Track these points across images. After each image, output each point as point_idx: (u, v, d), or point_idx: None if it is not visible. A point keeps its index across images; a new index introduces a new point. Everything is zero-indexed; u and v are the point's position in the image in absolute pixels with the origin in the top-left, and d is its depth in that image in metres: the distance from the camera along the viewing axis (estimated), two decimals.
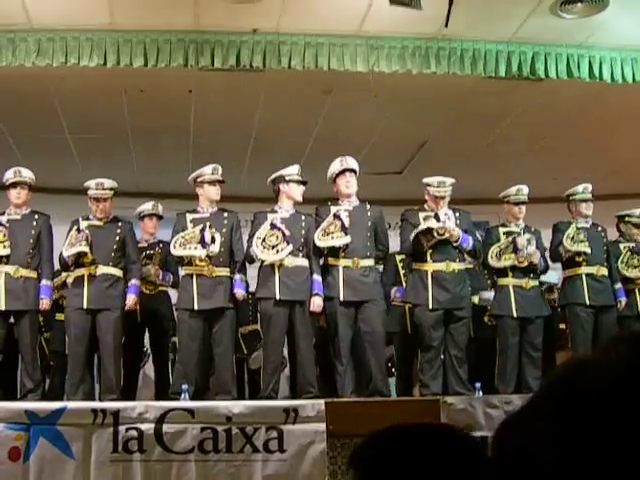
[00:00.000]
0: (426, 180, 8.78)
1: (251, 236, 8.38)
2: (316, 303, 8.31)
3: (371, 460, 1.61)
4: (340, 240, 8.29)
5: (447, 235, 8.44)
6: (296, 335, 8.39)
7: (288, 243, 8.22)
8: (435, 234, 8.42)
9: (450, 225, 8.46)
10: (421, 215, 8.64)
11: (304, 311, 8.31)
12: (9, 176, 8.60)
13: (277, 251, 8.22)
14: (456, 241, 8.52)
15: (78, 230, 8.32)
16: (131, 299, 8.48)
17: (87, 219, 8.56)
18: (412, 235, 8.47)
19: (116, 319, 8.41)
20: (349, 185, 8.63)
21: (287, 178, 8.56)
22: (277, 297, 8.23)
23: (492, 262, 8.98)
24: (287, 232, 8.24)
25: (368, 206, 8.70)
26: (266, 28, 8.82)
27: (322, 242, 8.33)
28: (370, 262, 8.55)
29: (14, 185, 8.57)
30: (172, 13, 8.53)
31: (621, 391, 1.07)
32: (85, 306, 8.28)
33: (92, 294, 8.32)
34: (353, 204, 8.63)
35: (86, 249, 8.24)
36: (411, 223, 8.64)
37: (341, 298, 8.34)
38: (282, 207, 8.58)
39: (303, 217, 8.55)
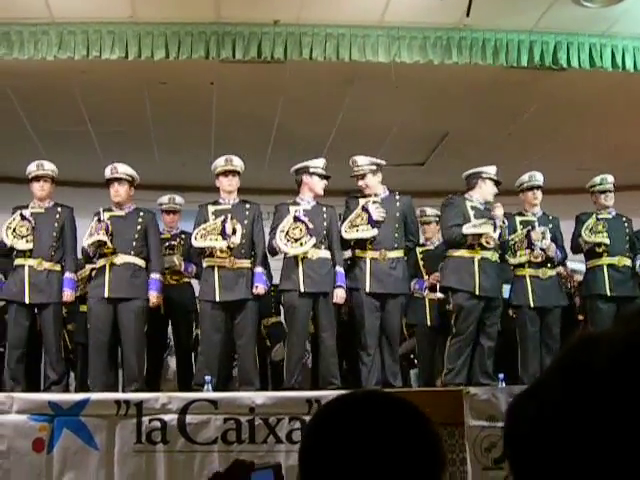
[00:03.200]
0: (479, 168, 8.82)
1: (273, 228, 8.39)
2: (339, 295, 8.32)
3: (311, 432, 1.63)
4: (366, 233, 8.30)
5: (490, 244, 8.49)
6: (319, 327, 8.41)
7: (311, 236, 8.22)
8: (483, 241, 8.45)
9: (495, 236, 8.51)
10: (468, 204, 8.63)
11: (327, 303, 8.32)
12: (32, 169, 8.63)
13: (301, 244, 8.23)
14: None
15: (99, 220, 8.34)
16: (154, 297, 8.50)
17: (109, 210, 8.57)
18: (468, 230, 8.45)
19: (138, 308, 8.43)
20: (362, 186, 8.70)
21: (311, 170, 8.56)
22: (302, 289, 8.24)
23: (508, 257, 8.97)
24: (310, 225, 8.24)
25: (397, 196, 8.70)
26: (287, 19, 8.82)
27: (348, 234, 8.36)
28: (398, 253, 8.55)
29: (37, 178, 8.61)
30: (193, 5, 8.55)
31: (625, 365, 1.04)
32: (106, 295, 8.30)
33: (113, 283, 8.33)
34: (381, 196, 8.61)
35: (104, 238, 8.25)
36: (457, 207, 8.62)
37: (367, 290, 8.34)
38: (304, 199, 8.57)
39: (325, 209, 8.54)
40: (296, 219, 8.28)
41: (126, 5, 8.51)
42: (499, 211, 8.60)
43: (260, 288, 8.29)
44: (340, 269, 8.39)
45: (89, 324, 8.58)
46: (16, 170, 10.71)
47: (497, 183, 8.82)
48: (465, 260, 8.59)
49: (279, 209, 8.52)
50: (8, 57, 8.73)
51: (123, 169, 8.67)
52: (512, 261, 8.98)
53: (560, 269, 9.38)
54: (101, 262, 8.45)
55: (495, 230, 8.44)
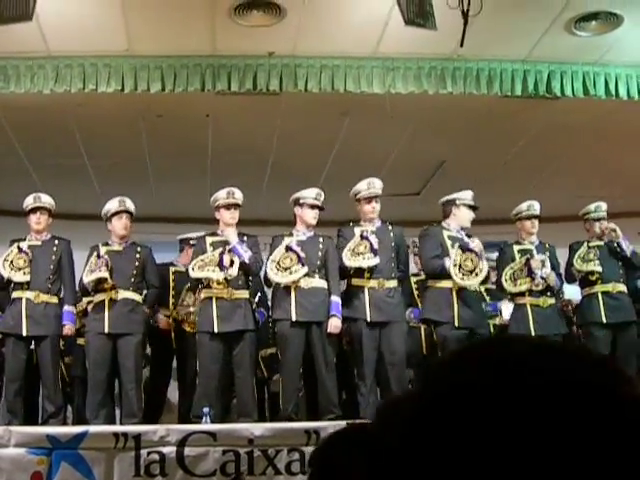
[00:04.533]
0: (456, 195, 8.81)
1: (267, 259, 8.41)
2: (333, 324, 8.30)
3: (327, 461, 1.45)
4: (371, 261, 8.30)
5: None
6: (314, 356, 8.38)
7: (303, 265, 8.23)
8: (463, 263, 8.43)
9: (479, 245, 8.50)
10: (445, 233, 8.63)
11: (321, 332, 8.30)
12: (29, 202, 8.66)
13: (290, 272, 8.24)
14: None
15: (98, 256, 8.35)
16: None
17: (106, 245, 8.59)
18: (473, 283, 8.46)
19: (137, 343, 8.46)
20: (375, 211, 8.65)
21: (301, 201, 8.58)
22: (293, 318, 8.23)
23: (507, 286, 8.95)
24: (302, 254, 8.25)
25: (390, 227, 8.71)
26: (282, 51, 8.87)
27: (352, 262, 8.33)
28: (394, 283, 8.55)
29: (34, 211, 8.63)
30: (189, 38, 8.59)
31: (415, 445, 1.04)
32: (107, 330, 8.31)
33: (113, 319, 8.35)
34: (376, 225, 8.63)
35: (106, 275, 8.29)
36: (434, 239, 8.63)
37: (368, 319, 8.33)
38: (300, 230, 8.58)
39: (321, 239, 8.56)
40: (288, 249, 8.30)
41: (122, 39, 8.55)
42: (478, 244, 8.59)
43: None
44: (336, 298, 8.38)
45: (88, 358, 8.59)
46: (12, 203, 10.73)
47: (473, 208, 8.80)
48: (443, 291, 8.60)
49: (275, 241, 8.54)
50: (5, 91, 8.76)
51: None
52: (512, 290, 8.96)
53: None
54: (100, 297, 8.47)
55: (481, 260, 8.44)
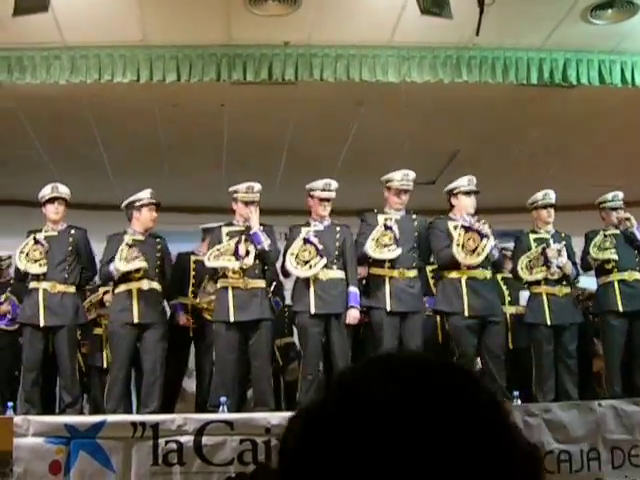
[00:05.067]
0: (453, 184, 8.79)
1: (285, 251, 8.42)
2: (352, 315, 8.32)
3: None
4: (394, 252, 8.30)
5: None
6: (332, 347, 8.39)
7: (322, 257, 8.24)
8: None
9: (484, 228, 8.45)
10: (450, 224, 8.61)
11: (340, 323, 8.31)
12: (47, 192, 8.66)
13: (310, 266, 8.25)
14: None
15: (129, 245, 8.37)
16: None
17: (125, 233, 8.59)
18: (473, 262, 8.44)
19: (163, 334, 8.53)
20: (403, 203, 8.67)
21: (311, 193, 8.58)
22: (312, 311, 8.25)
23: (523, 275, 8.93)
24: (320, 246, 8.26)
25: (414, 216, 8.71)
26: (297, 41, 8.87)
27: (376, 254, 8.33)
28: (415, 272, 8.57)
29: (51, 201, 8.64)
30: (204, 28, 8.60)
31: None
32: (136, 321, 8.33)
33: (142, 309, 8.38)
34: (400, 213, 8.62)
35: (146, 265, 8.35)
36: (441, 231, 8.61)
37: (388, 308, 8.34)
38: (316, 220, 8.58)
39: (338, 228, 8.55)
40: (305, 241, 8.30)
41: (137, 29, 8.56)
42: (484, 227, 8.55)
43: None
44: (354, 289, 8.39)
45: (112, 348, 8.58)
46: (28, 193, 10.75)
47: (471, 193, 8.76)
48: (452, 281, 8.60)
49: (292, 231, 8.55)
50: (21, 81, 8.78)
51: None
52: (528, 278, 8.95)
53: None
54: (124, 287, 8.47)
55: (484, 238, 8.40)
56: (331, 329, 8.32)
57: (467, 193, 8.69)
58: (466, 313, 8.40)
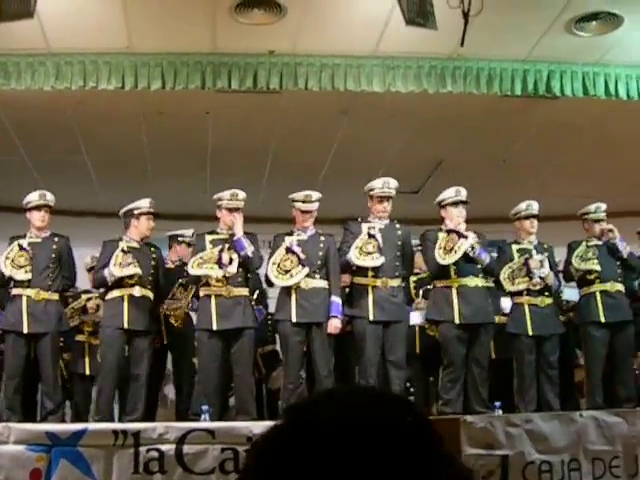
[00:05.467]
0: (442, 196, 8.79)
1: (268, 260, 8.42)
2: (333, 325, 8.30)
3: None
4: (377, 261, 8.30)
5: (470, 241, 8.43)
6: (314, 356, 8.39)
7: (303, 266, 8.23)
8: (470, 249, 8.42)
9: (472, 236, 8.47)
10: (440, 235, 8.61)
11: (321, 333, 8.31)
12: (33, 198, 8.61)
13: (291, 275, 8.24)
14: (473, 252, 8.47)
15: (124, 251, 8.36)
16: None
17: (121, 240, 8.58)
18: (450, 261, 8.45)
19: (150, 342, 8.54)
20: (386, 210, 8.64)
21: (293, 203, 8.60)
22: (293, 319, 8.25)
23: (506, 285, 8.95)
24: (302, 255, 8.25)
25: (397, 225, 8.70)
26: (282, 50, 8.89)
27: (360, 261, 8.32)
28: (398, 282, 8.56)
29: (38, 208, 8.60)
30: (189, 36, 8.60)
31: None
32: (125, 326, 8.30)
33: (132, 315, 8.35)
34: (384, 222, 8.63)
35: (140, 271, 8.34)
36: (432, 242, 8.61)
37: (371, 318, 8.32)
38: (300, 229, 8.58)
39: (322, 238, 8.55)
40: (288, 250, 8.30)
41: (123, 36, 8.56)
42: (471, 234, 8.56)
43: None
44: (336, 299, 8.38)
45: (102, 353, 8.52)
46: (10, 199, 10.74)
47: (458, 204, 8.76)
48: (443, 290, 8.61)
49: (275, 240, 8.53)
50: (5, 87, 8.77)
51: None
52: (510, 288, 8.97)
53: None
54: (117, 292, 8.43)
55: (461, 238, 8.42)
56: (312, 338, 8.32)
57: (454, 204, 8.69)
58: (457, 320, 8.40)
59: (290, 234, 8.53)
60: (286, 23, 8.44)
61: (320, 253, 8.42)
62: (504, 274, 8.93)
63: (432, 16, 7.65)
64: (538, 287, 8.86)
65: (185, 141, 11.20)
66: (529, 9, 8.24)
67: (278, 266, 8.26)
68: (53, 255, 8.56)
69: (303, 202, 8.52)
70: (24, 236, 8.61)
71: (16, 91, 8.87)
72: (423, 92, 9.15)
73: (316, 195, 8.56)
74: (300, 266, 8.22)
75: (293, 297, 8.29)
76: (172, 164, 12.00)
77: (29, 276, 8.39)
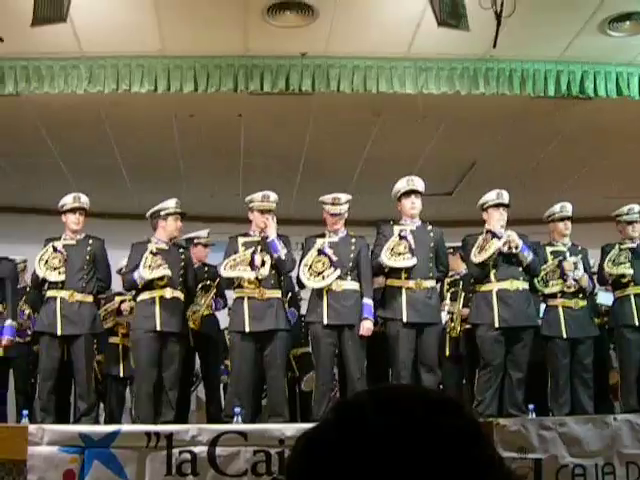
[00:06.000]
0: (483, 199, 8.76)
1: (300, 262, 8.42)
2: (365, 327, 8.28)
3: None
4: (409, 261, 8.27)
5: (511, 244, 8.39)
6: (345, 359, 8.37)
7: (335, 268, 8.22)
8: (503, 247, 8.38)
9: (512, 235, 8.44)
10: (481, 237, 8.58)
11: (353, 335, 8.28)
12: (68, 201, 8.66)
13: (323, 277, 8.23)
14: (516, 247, 8.43)
15: (153, 253, 8.39)
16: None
17: (150, 242, 8.61)
18: (481, 259, 8.42)
19: (182, 344, 8.55)
20: (414, 206, 8.59)
21: (323, 206, 8.59)
22: (325, 321, 8.24)
23: (540, 287, 8.90)
24: (334, 257, 8.25)
25: (430, 227, 8.67)
26: (314, 52, 8.88)
27: (391, 262, 8.30)
28: (432, 283, 8.54)
29: (73, 211, 8.64)
30: (221, 39, 8.62)
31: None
32: (158, 328, 8.32)
33: (164, 317, 8.37)
34: (415, 224, 8.60)
35: (170, 272, 8.35)
36: (472, 245, 8.58)
37: (404, 320, 8.30)
38: (331, 231, 8.57)
39: (354, 240, 8.53)
40: (320, 252, 8.30)
41: (155, 39, 8.59)
42: (511, 232, 8.53)
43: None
44: (368, 301, 8.36)
45: (136, 357, 8.52)
46: (44, 202, 10.82)
47: (500, 206, 8.71)
48: (483, 294, 8.59)
49: (307, 242, 8.53)
50: (39, 91, 8.83)
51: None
52: (544, 291, 8.93)
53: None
54: (148, 294, 8.46)
55: (494, 238, 8.39)
56: (344, 340, 8.30)
57: (495, 206, 8.66)
58: (497, 324, 8.36)
59: (322, 236, 8.52)
60: (318, 25, 8.43)
61: (351, 255, 8.41)
62: (538, 276, 8.88)
63: (464, 17, 7.63)
64: (572, 289, 8.80)
65: (217, 143, 11.23)
66: (562, 9, 8.19)
67: (310, 268, 8.26)
68: (87, 257, 8.60)
69: (332, 204, 8.51)
70: (59, 238, 8.67)
71: (50, 95, 8.92)
72: (455, 93, 9.11)
73: (345, 197, 8.55)
74: (332, 268, 8.22)
75: (324, 299, 8.28)
76: (205, 166, 12.05)
77: (63, 278, 8.43)
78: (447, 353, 9.79)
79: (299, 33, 8.56)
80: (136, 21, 8.27)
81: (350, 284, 8.36)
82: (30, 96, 9.18)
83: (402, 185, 8.60)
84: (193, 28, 8.47)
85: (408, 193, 8.57)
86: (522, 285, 8.57)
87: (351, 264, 8.39)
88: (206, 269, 9.84)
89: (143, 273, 8.32)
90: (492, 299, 8.46)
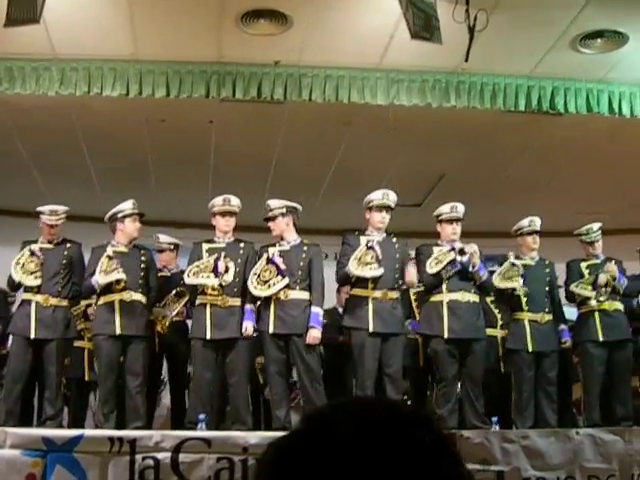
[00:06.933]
0: (437, 210, 8.81)
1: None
2: (312, 335, 8.22)
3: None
4: (376, 271, 8.28)
5: (469, 258, 8.44)
6: (297, 368, 8.37)
7: (283, 277, 8.21)
8: (457, 257, 8.42)
9: (472, 249, 8.48)
10: (435, 249, 8.63)
11: (301, 344, 8.24)
12: (45, 210, 8.63)
13: (269, 286, 8.21)
14: (473, 267, 8.49)
15: (109, 257, 8.34)
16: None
17: (107, 246, 8.56)
18: (434, 270, 8.47)
19: (145, 347, 8.48)
20: (384, 221, 8.60)
21: (269, 214, 8.62)
22: (270, 330, 8.22)
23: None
24: (282, 266, 8.22)
25: (394, 239, 8.69)
26: (288, 60, 8.90)
27: (359, 271, 8.30)
28: (397, 294, 8.55)
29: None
30: (195, 45, 8.62)
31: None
32: (118, 333, 8.27)
33: (124, 320, 8.31)
34: (382, 235, 8.62)
35: (124, 276, 8.28)
36: (427, 256, 8.62)
37: (371, 329, 8.29)
38: (284, 239, 8.58)
39: (306, 248, 8.51)
40: (269, 261, 8.28)
41: (128, 43, 8.58)
42: (468, 247, 8.58)
43: (249, 327, 8.28)
44: (316, 309, 8.31)
45: (98, 361, 8.49)
46: (14, 202, 10.75)
47: (452, 221, 8.77)
48: (434, 304, 8.62)
49: (260, 251, 8.51)
50: (10, 92, 8.79)
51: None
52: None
53: None
54: (107, 298, 8.41)
55: (451, 251, 8.46)
56: (292, 350, 8.28)
57: (449, 221, 8.72)
58: (446, 335, 8.40)
59: (274, 245, 8.52)
60: (292, 34, 8.46)
61: (301, 263, 8.38)
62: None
63: (437, 30, 7.67)
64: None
65: (188, 149, 11.21)
66: (534, 26, 8.26)
67: (258, 277, 8.25)
68: (64, 261, 8.58)
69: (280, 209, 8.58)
70: (36, 241, 8.63)
71: (21, 96, 8.89)
72: (427, 106, 9.16)
73: (268, 204, 8.62)
74: (279, 276, 8.20)
75: (271, 308, 8.28)
76: (175, 171, 12.02)
77: (39, 282, 8.41)
78: (421, 364, 9.80)
79: (273, 41, 8.58)
80: (109, 24, 8.26)
81: (299, 293, 8.32)
82: (1, 96, 9.13)
83: (377, 197, 8.61)
84: (166, 33, 8.47)
85: (380, 207, 8.59)
86: (473, 297, 8.62)
87: (301, 272, 8.36)
88: (183, 275, 9.81)
89: (98, 278, 8.27)
90: (442, 310, 8.51)
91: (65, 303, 8.56)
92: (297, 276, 8.34)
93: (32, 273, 8.42)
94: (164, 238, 10.29)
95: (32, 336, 8.35)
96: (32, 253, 8.46)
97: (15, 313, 8.66)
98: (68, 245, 8.71)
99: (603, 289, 8.95)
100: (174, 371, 9.77)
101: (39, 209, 8.68)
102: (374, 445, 1.26)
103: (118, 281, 8.31)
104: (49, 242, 8.67)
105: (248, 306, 8.34)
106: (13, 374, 8.42)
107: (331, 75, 8.98)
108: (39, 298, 8.43)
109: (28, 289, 8.50)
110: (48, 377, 8.44)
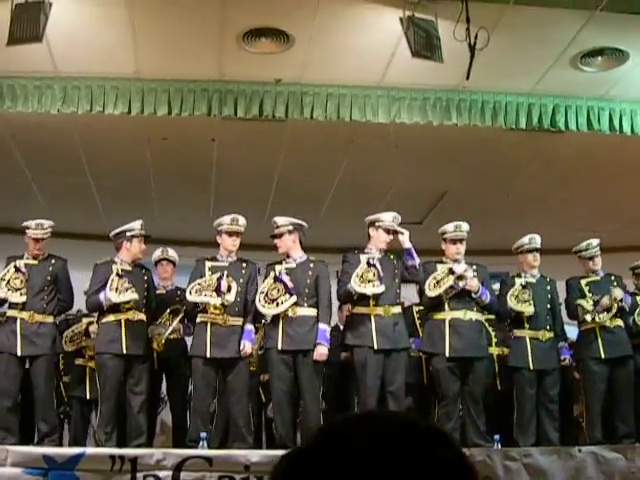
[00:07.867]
0: (442, 229, 8.82)
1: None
2: (319, 352, 8.23)
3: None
4: (378, 289, 8.28)
5: (465, 284, 8.45)
6: (300, 385, 8.36)
7: (291, 295, 8.22)
8: (454, 283, 8.44)
9: (469, 275, 8.49)
10: (439, 267, 8.63)
11: (308, 361, 8.25)
12: (31, 225, 8.61)
13: (277, 304, 8.21)
14: (476, 292, 8.53)
15: (118, 275, 8.34)
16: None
17: (114, 263, 8.55)
18: (433, 294, 8.47)
19: (149, 366, 8.51)
20: (388, 242, 8.64)
21: (275, 231, 8.61)
22: (279, 347, 8.22)
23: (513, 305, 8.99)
24: (290, 284, 8.23)
25: (392, 256, 8.69)
26: (289, 79, 8.92)
27: (361, 289, 8.29)
28: (399, 310, 8.55)
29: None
30: (196, 63, 8.64)
31: None
32: (124, 352, 8.26)
33: (130, 340, 8.31)
34: (381, 253, 8.63)
35: (137, 296, 8.30)
36: (429, 274, 8.62)
37: (375, 346, 8.29)
38: (291, 257, 8.59)
39: (312, 265, 8.52)
40: (276, 279, 8.28)
41: (130, 61, 8.60)
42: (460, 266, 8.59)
43: (247, 346, 8.27)
44: (323, 326, 8.32)
45: (101, 380, 8.39)
46: (13, 220, 10.73)
47: (456, 241, 8.77)
48: (436, 322, 8.63)
49: (267, 270, 8.51)
50: (12, 110, 8.81)
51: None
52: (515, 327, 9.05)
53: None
54: (113, 317, 8.38)
55: (450, 275, 8.46)
56: (299, 367, 8.29)
57: (452, 240, 8.73)
58: (447, 353, 8.40)
59: (280, 263, 8.52)
60: (293, 53, 8.48)
61: (308, 281, 8.38)
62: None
63: (438, 49, 7.69)
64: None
65: (190, 167, 11.21)
66: (535, 43, 8.29)
67: (266, 295, 8.25)
68: (49, 277, 8.57)
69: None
70: (21, 257, 8.62)
71: (23, 114, 8.91)
72: (428, 124, 9.18)
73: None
74: (287, 294, 8.21)
75: (280, 326, 8.27)
76: (176, 190, 12.02)
77: (24, 299, 8.40)
78: (425, 381, 9.79)
79: (274, 60, 8.60)
80: (112, 43, 8.28)
81: (306, 310, 8.32)
82: (3, 114, 9.16)
83: (387, 219, 8.61)
84: (168, 51, 8.49)
85: (389, 230, 8.60)
86: (475, 316, 8.63)
87: (308, 290, 8.36)
88: (179, 292, 9.76)
89: (110, 296, 8.24)
90: (444, 328, 8.52)
91: (50, 319, 8.55)
92: (304, 293, 8.34)
93: (17, 290, 8.41)
94: (172, 252, 10.27)
95: (19, 353, 8.34)
96: (17, 269, 8.46)
97: (1, 329, 8.61)
98: (53, 261, 8.70)
99: (603, 314, 8.95)
100: (174, 389, 9.74)
101: (25, 224, 8.67)
102: (391, 459, 1.25)
103: (128, 300, 8.30)
104: (34, 258, 8.65)
105: (248, 326, 8.35)
106: (2, 390, 8.38)
107: (332, 93, 9.00)
108: (24, 315, 8.42)
109: (13, 306, 8.48)
110: (38, 394, 8.43)
